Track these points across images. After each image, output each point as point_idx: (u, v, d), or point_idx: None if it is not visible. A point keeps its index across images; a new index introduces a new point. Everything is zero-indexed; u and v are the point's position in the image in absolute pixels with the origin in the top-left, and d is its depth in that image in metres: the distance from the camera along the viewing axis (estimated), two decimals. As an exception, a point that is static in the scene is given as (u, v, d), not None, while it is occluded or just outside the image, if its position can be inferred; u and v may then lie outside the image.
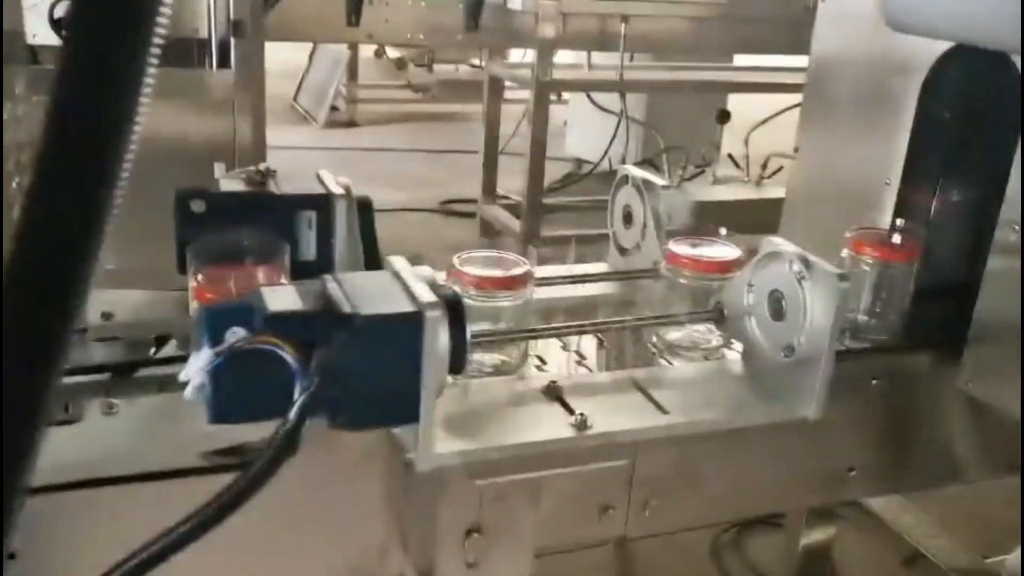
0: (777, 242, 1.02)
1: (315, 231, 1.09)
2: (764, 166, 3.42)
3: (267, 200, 1.08)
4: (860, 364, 1.17)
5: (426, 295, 0.79)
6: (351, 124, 5.97)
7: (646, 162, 3.75)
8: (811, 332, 0.95)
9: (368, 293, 0.80)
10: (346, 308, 0.77)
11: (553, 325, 1.04)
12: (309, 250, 1.09)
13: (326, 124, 5.86)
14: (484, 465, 0.88)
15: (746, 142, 3.48)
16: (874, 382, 1.16)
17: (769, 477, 1.07)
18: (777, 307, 1.00)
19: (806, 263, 0.96)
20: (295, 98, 6.14)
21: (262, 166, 1.14)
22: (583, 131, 4.75)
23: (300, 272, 1.08)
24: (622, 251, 1.30)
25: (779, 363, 0.99)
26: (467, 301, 0.98)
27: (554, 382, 0.97)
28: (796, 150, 1.49)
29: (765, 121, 3.50)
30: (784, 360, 0.99)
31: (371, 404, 0.79)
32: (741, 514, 1.76)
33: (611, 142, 4.18)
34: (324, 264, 1.09)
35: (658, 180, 1.22)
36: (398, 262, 0.86)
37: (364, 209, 1.12)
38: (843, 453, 1.11)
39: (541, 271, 1.19)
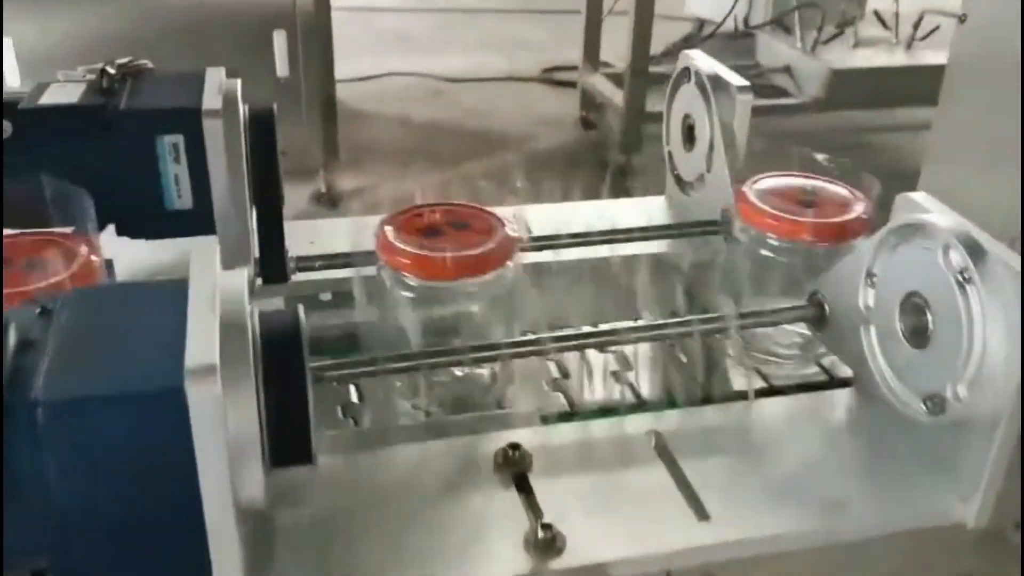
0: (920, 202, 0.57)
1: (186, 165, 0.71)
2: (917, 25, 2.79)
3: (108, 119, 0.70)
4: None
5: (203, 349, 0.40)
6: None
7: (775, 23, 3.15)
8: (979, 376, 0.52)
9: (102, 341, 0.43)
10: (32, 380, 0.40)
11: (517, 340, 0.61)
12: (177, 194, 0.71)
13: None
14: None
15: (896, -4, 2.85)
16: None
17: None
18: (918, 323, 0.56)
19: (975, 252, 0.52)
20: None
21: (121, 61, 0.75)
22: (706, -16, 4.10)
23: (170, 227, 0.71)
24: (681, 184, 0.86)
25: (916, 418, 0.57)
26: (404, 294, 0.60)
27: (514, 448, 0.57)
28: (961, 17, 0.98)
29: (922, -33, 2.84)
30: (926, 416, 0.56)
31: (101, 554, 0.42)
32: None
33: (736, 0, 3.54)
34: (202, 214, 0.71)
35: (734, 78, 0.77)
36: (200, 265, 0.47)
37: (261, 128, 0.73)
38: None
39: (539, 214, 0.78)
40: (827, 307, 0.64)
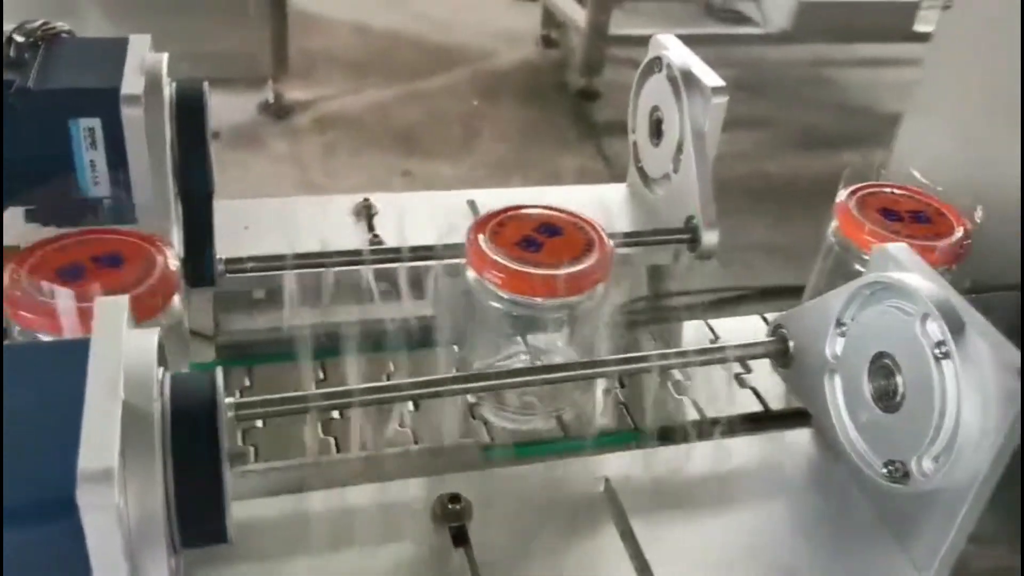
0: (897, 255, 0.53)
1: (103, 151, 0.64)
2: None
3: (15, 99, 0.62)
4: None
5: (99, 447, 0.36)
6: None
7: (749, -56, 3.04)
8: (948, 451, 0.49)
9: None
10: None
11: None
12: (94, 181, 0.64)
13: None
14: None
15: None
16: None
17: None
18: (887, 385, 0.53)
19: (955, 326, 0.48)
20: None
21: (32, 25, 0.67)
22: None
23: (85, 216, 0.65)
24: (644, 179, 0.81)
25: (875, 480, 0.54)
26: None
27: (454, 499, 0.53)
28: (946, 3, 0.93)
29: None
30: (886, 481, 0.53)
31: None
32: None
33: (708, -84, 3.41)
34: (121, 203, 0.65)
35: (709, 77, 0.71)
36: (104, 327, 0.41)
37: (190, 111, 0.66)
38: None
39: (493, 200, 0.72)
40: (791, 345, 0.61)
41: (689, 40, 2.79)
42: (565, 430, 0.62)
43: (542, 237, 0.60)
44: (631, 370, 0.59)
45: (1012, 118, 0.87)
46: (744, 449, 0.61)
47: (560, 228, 0.61)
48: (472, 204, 0.80)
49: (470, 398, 0.63)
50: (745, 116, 2.76)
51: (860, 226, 0.64)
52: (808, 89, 3.04)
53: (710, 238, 0.70)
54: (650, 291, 0.84)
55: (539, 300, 0.58)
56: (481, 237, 0.60)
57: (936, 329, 0.49)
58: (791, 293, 0.76)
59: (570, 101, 2.87)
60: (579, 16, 2.99)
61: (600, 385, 0.65)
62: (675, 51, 0.74)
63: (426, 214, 0.77)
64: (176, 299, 0.55)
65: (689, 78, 0.71)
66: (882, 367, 0.53)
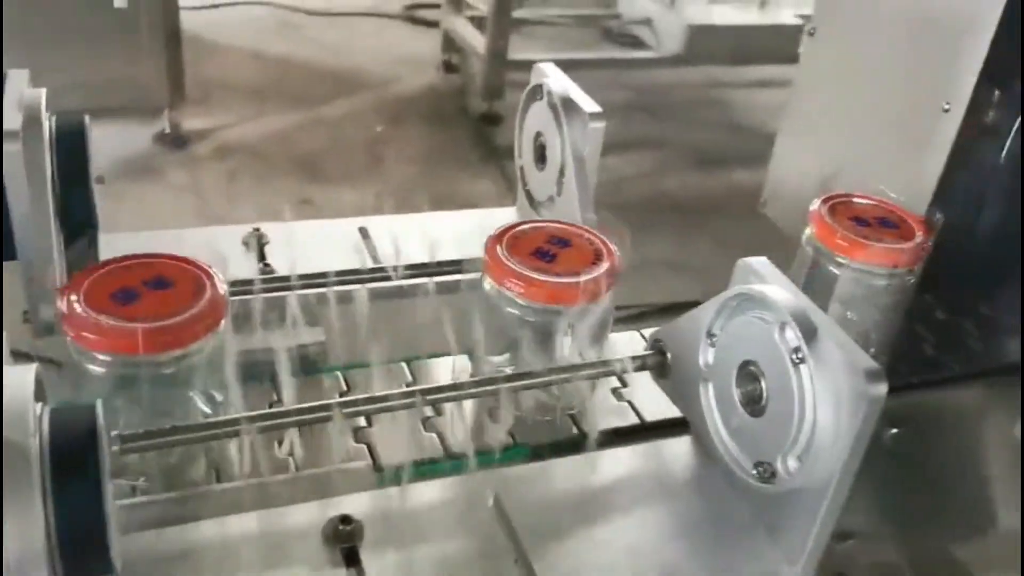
0: (759, 269, 0.57)
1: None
2: (771, -17, 2.86)
3: None
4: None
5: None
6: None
7: (638, -26, 3.14)
8: (808, 450, 0.53)
9: None
10: None
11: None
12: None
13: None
14: None
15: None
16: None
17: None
18: (753, 391, 0.57)
19: (808, 332, 0.52)
20: None
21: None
22: (573, -76, 4.05)
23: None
24: (532, 201, 0.84)
25: (748, 481, 0.58)
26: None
27: (345, 521, 0.54)
28: (810, 30, 0.99)
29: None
30: (756, 481, 0.56)
31: None
32: None
33: (600, -56, 3.51)
34: (1, 239, 0.64)
35: (587, 103, 0.74)
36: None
37: (70, 145, 0.66)
38: None
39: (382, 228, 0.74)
40: (669, 357, 0.64)
41: (586, 64, 2.90)
42: (453, 449, 0.64)
43: (555, 248, 0.65)
44: (518, 387, 0.61)
45: (871, 136, 0.93)
46: (628, 459, 0.64)
47: (569, 240, 0.66)
48: (364, 231, 0.82)
49: (363, 420, 0.64)
50: (643, 137, 2.85)
51: (833, 232, 0.70)
52: (701, 110, 3.15)
53: (593, 258, 0.73)
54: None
55: (559, 307, 0.62)
56: (499, 248, 0.64)
57: (792, 336, 0.52)
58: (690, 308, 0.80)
59: (473, 125, 2.91)
60: (478, 42, 3.04)
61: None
62: (555, 79, 0.77)
63: (318, 242, 0.78)
64: (224, 322, 0.56)
65: (568, 105, 0.75)
66: (748, 374, 0.56)
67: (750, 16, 3.00)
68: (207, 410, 0.59)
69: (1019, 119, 0.83)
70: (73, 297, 0.55)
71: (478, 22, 3.23)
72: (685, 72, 3.11)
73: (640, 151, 2.77)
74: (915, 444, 0.80)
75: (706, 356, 0.60)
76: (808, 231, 0.73)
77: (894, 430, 0.77)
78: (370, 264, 0.74)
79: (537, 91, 0.78)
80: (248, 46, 3.22)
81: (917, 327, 0.89)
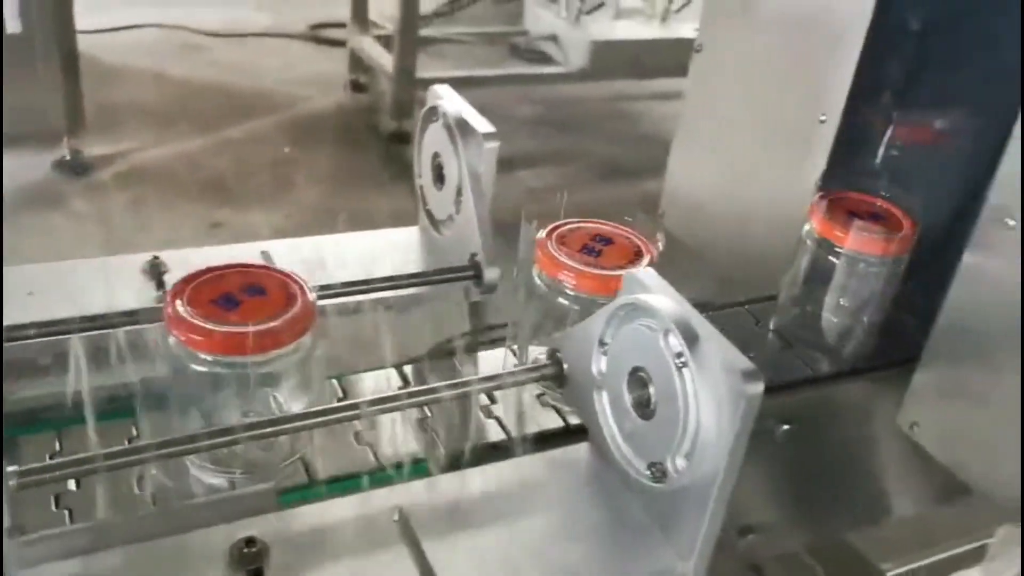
0: (644, 279, 0.60)
1: None
2: (671, -2, 2.95)
3: None
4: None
5: None
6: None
7: (541, -10, 3.19)
8: (693, 449, 0.56)
9: None
10: None
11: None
12: None
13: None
14: None
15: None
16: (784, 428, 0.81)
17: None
18: (642, 395, 0.59)
19: (691, 338, 0.55)
20: None
21: None
22: (475, -57, 4.09)
23: None
24: (432, 221, 0.86)
25: (642, 482, 0.60)
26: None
27: (249, 543, 0.55)
28: (697, 47, 1.03)
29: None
30: (650, 482, 0.59)
31: None
32: None
33: (504, -39, 3.56)
34: None
35: (480, 123, 0.77)
36: None
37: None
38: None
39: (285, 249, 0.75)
40: (566, 367, 0.66)
41: (495, 80, 2.91)
42: (359, 464, 0.65)
43: (599, 246, 0.72)
44: (423, 401, 0.63)
45: (757, 147, 0.98)
46: (529, 466, 0.66)
47: (612, 239, 0.74)
48: (266, 255, 0.82)
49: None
50: (553, 150, 2.90)
51: (833, 225, 0.81)
52: (609, 122, 3.22)
53: (491, 274, 0.76)
54: (471, 324, 0.88)
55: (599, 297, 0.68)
56: (550, 243, 0.71)
57: (676, 342, 0.55)
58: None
59: (383, 144, 2.91)
60: (386, 61, 3.05)
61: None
62: (449, 100, 0.79)
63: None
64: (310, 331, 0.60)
65: (462, 126, 0.77)
66: (638, 379, 0.59)
67: (652, 31, 3.08)
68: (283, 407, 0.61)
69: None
70: (179, 303, 0.58)
71: (385, 41, 3.24)
72: (592, 86, 3.17)
73: (550, 165, 2.81)
74: (807, 439, 0.84)
75: (599, 364, 0.63)
76: (807, 226, 0.83)
77: (786, 426, 0.81)
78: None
79: (433, 112, 0.80)
80: (149, 69, 3.16)
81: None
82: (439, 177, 0.82)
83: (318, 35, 3.75)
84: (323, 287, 0.72)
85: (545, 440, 0.69)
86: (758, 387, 0.53)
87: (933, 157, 0.92)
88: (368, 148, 2.87)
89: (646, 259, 0.71)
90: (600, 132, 3.10)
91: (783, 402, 0.84)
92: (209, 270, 0.62)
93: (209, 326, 0.57)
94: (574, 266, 0.70)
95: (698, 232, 1.04)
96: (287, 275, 0.63)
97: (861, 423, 0.89)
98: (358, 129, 3.02)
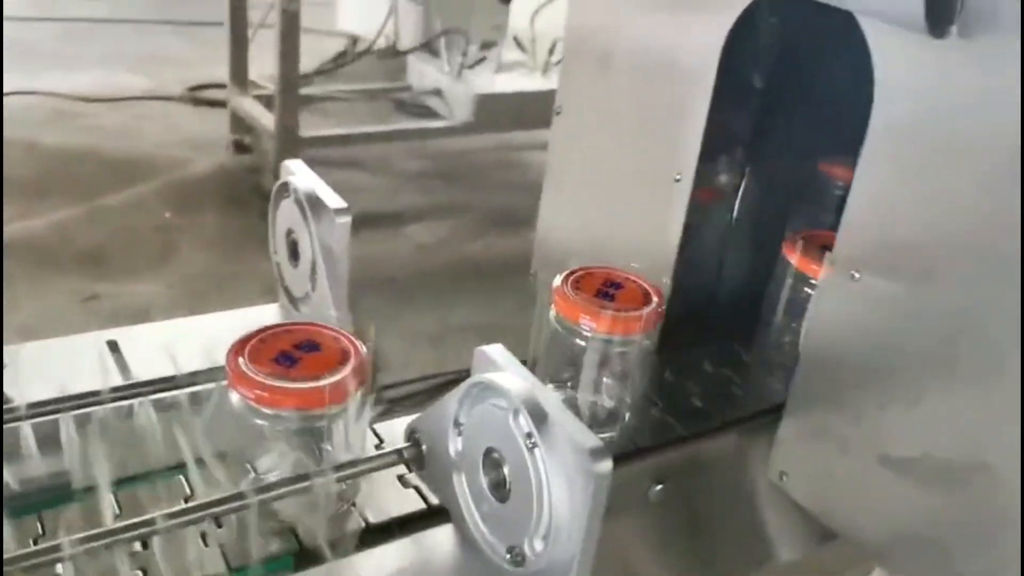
0: (494, 356, 0.59)
1: None
2: (551, 51, 3.00)
3: None
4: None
5: None
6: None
7: (424, 46, 3.22)
8: (549, 531, 0.55)
9: None
10: None
11: None
12: None
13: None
14: None
15: (532, 23, 3.04)
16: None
17: None
18: (497, 477, 0.58)
19: (539, 418, 0.54)
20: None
21: None
22: (356, 1, 4.10)
23: None
24: (290, 298, 0.83)
25: (504, 566, 0.59)
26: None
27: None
28: (557, 109, 1.05)
29: (552, -1, 3.04)
30: (510, 566, 0.58)
31: None
32: None
33: (387, 18, 3.58)
34: None
35: (332, 199, 0.75)
36: None
37: None
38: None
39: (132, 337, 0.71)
40: (424, 448, 0.64)
41: (381, 136, 2.90)
42: (227, 562, 0.62)
43: (611, 290, 0.76)
44: (272, 497, 0.60)
45: (619, 208, 0.99)
46: (395, 553, 0.64)
47: (622, 283, 0.77)
48: (114, 344, 0.78)
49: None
50: (442, 204, 2.90)
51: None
52: (497, 173, 3.24)
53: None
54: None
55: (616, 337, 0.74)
56: (566, 288, 0.75)
57: (525, 422, 0.54)
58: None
59: (268, 205, 2.87)
60: (268, 120, 3.01)
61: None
62: (300, 176, 0.77)
63: (58, 363, 0.74)
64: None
65: (314, 201, 0.75)
66: (492, 460, 0.58)
67: (534, 83, 3.12)
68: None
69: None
70: (241, 361, 0.61)
71: (266, 100, 3.21)
72: (478, 138, 3.20)
73: (440, 218, 2.81)
74: (682, 495, 0.84)
75: (456, 444, 0.61)
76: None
77: (659, 486, 0.81)
78: (115, 383, 0.70)
79: (284, 189, 0.78)
80: (20, 138, 3.04)
81: (685, 383, 0.94)
82: (294, 254, 0.80)
83: (197, 96, 3.68)
84: (158, 380, 0.69)
85: (407, 524, 0.67)
86: (606, 465, 0.52)
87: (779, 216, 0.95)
88: (253, 209, 2.81)
89: (655, 301, 0.75)
90: (489, 182, 3.12)
91: (656, 462, 0.84)
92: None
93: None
94: (593, 309, 0.73)
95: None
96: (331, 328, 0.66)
97: (734, 473, 0.90)
98: (242, 191, 2.96)
